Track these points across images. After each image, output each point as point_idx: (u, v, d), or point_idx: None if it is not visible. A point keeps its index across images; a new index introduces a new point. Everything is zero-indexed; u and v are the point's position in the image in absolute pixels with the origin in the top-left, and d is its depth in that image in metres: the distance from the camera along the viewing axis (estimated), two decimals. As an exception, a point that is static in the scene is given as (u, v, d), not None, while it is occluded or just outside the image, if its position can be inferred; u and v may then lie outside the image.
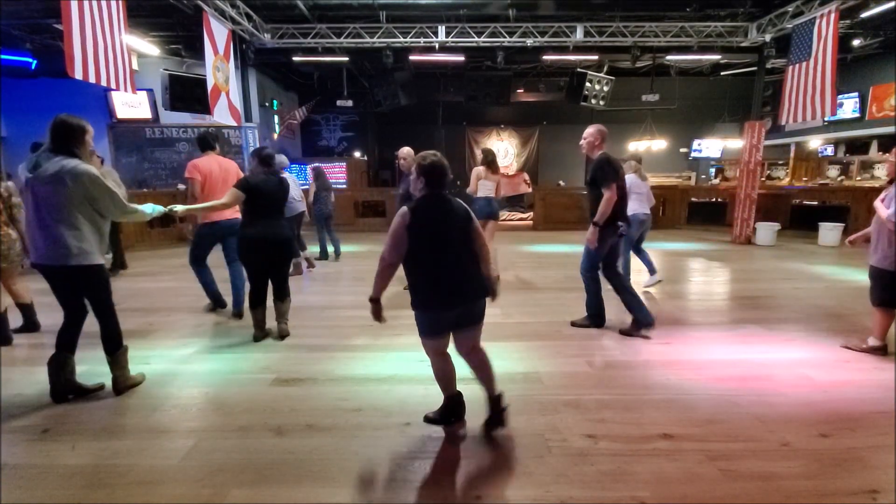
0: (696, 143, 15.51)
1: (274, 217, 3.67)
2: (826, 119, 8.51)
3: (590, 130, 3.80)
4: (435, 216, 2.19)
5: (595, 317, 4.10)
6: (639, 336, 3.85)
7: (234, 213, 4.14)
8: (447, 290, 2.19)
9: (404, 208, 2.20)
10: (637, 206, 5.05)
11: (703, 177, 16.32)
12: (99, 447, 2.33)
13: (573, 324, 4.15)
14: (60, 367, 2.76)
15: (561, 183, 14.97)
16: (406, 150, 5.27)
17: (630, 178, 4.84)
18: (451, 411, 2.47)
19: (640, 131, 14.81)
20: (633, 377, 3.10)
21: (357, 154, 16.39)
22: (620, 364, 3.33)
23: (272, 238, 3.61)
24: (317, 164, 7.42)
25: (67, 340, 2.77)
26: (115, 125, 10.95)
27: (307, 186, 7.05)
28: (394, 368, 3.23)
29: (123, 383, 2.91)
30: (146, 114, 11.27)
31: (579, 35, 9.11)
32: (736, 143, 13.24)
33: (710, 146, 15.40)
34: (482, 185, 5.57)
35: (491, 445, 2.33)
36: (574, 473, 2.10)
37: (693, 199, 11.60)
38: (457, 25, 9.12)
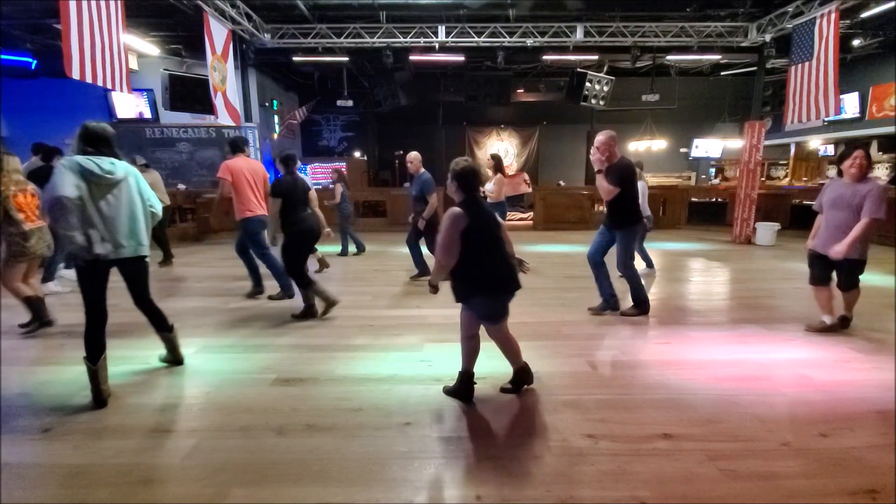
0: (695, 143, 15.51)
1: (307, 211, 4.34)
2: (826, 119, 8.52)
3: (602, 139, 4.03)
4: (484, 215, 2.50)
5: (642, 303, 4.34)
6: (601, 314, 4.36)
7: (264, 210, 4.86)
8: (512, 276, 2.60)
9: (458, 210, 2.44)
10: (645, 207, 5.73)
11: (703, 177, 16.33)
12: (100, 447, 2.33)
13: (623, 314, 4.36)
14: (104, 371, 2.80)
15: (561, 183, 14.97)
16: (413, 154, 5.64)
17: (642, 185, 5.61)
18: (467, 388, 2.76)
19: (640, 131, 14.81)
20: (633, 377, 3.11)
21: (357, 154, 16.40)
22: (620, 364, 3.33)
23: (316, 229, 4.36)
24: (337, 167, 7.73)
25: (103, 342, 2.81)
26: (115, 125, 10.95)
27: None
28: (394, 368, 3.24)
29: (180, 355, 3.31)
30: (146, 114, 11.28)
31: (579, 35, 9.12)
32: (736, 143, 13.25)
33: (710, 146, 15.40)
34: (495, 189, 6.06)
35: (491, 445, 2.33)
36: (574, 473, 2.10)
37: (693, 199, 11.60)
38: (457, 25, 9.12)
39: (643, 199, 5.63)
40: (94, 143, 2.72)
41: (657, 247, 8.45)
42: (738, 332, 4.00)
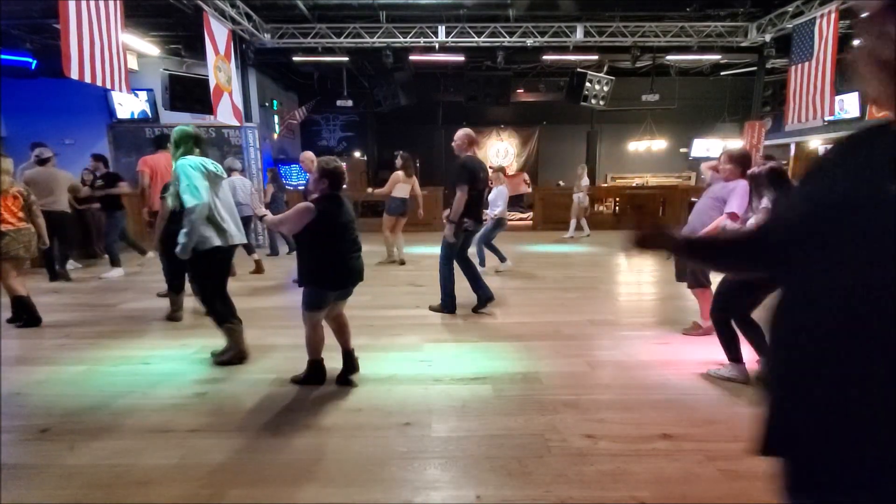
0: (696, 144, 15.49)
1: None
2: (826, 119, 8.52)
3: (459, 134, 4.25)
4: (342, 211, 2.67)
5: (448, 302, 4.43)
6: (485, 312, 4.39)
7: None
8: (347, 272, 2.73)
9: (309, 205, 2.59)
10: (500, 210, 5.97)
11: (704, 177, 16.31)
12: (98, 447, 2.33)
13: (430, 308, 4.52)
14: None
15: (560, 183, 14.94)
16: (306, 154, 5.88)
17: (501, 189, 6.02)
18: (316, 374, 2.96)
19: (640, 131, 14.81)
20: (633, 377, 3.10)
21: (357, 154, 16.38)
22: (620, 364, 3.33)
23: None
24: (273, 166, 7.93)
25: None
26: (115, 125, 10.95)
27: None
28: (394, 368, 3.23)
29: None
30: (146, 113, 11.26)
31: (579, 35, 9.11)
32: (736, 144, 13.22)
33: (710, 146, 15.37)
34: (399, 188, 6.39)
35: (491, 445, 2.33)
36: (574, 473, 2.10)
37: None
38: (457, 25, 9.11)
39: (497, 201, 6.00)
40: (200, 145, 3.18)
41: (657, 247, 8.43)
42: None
